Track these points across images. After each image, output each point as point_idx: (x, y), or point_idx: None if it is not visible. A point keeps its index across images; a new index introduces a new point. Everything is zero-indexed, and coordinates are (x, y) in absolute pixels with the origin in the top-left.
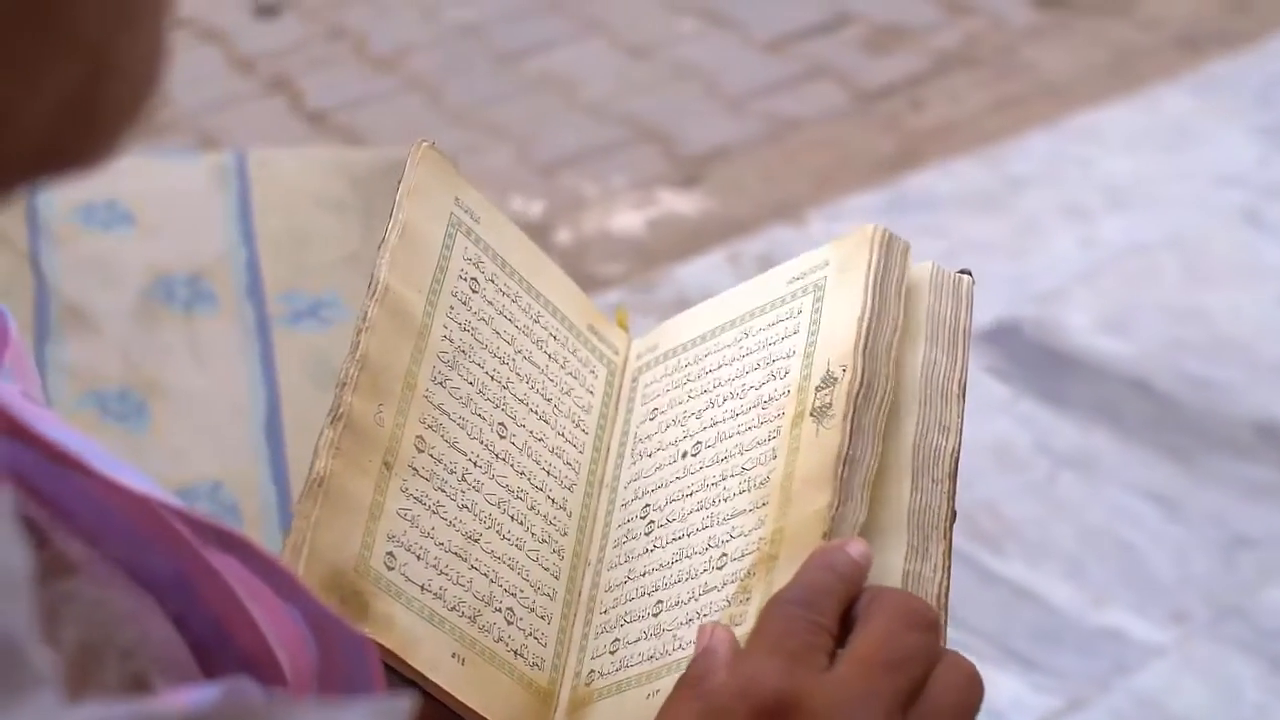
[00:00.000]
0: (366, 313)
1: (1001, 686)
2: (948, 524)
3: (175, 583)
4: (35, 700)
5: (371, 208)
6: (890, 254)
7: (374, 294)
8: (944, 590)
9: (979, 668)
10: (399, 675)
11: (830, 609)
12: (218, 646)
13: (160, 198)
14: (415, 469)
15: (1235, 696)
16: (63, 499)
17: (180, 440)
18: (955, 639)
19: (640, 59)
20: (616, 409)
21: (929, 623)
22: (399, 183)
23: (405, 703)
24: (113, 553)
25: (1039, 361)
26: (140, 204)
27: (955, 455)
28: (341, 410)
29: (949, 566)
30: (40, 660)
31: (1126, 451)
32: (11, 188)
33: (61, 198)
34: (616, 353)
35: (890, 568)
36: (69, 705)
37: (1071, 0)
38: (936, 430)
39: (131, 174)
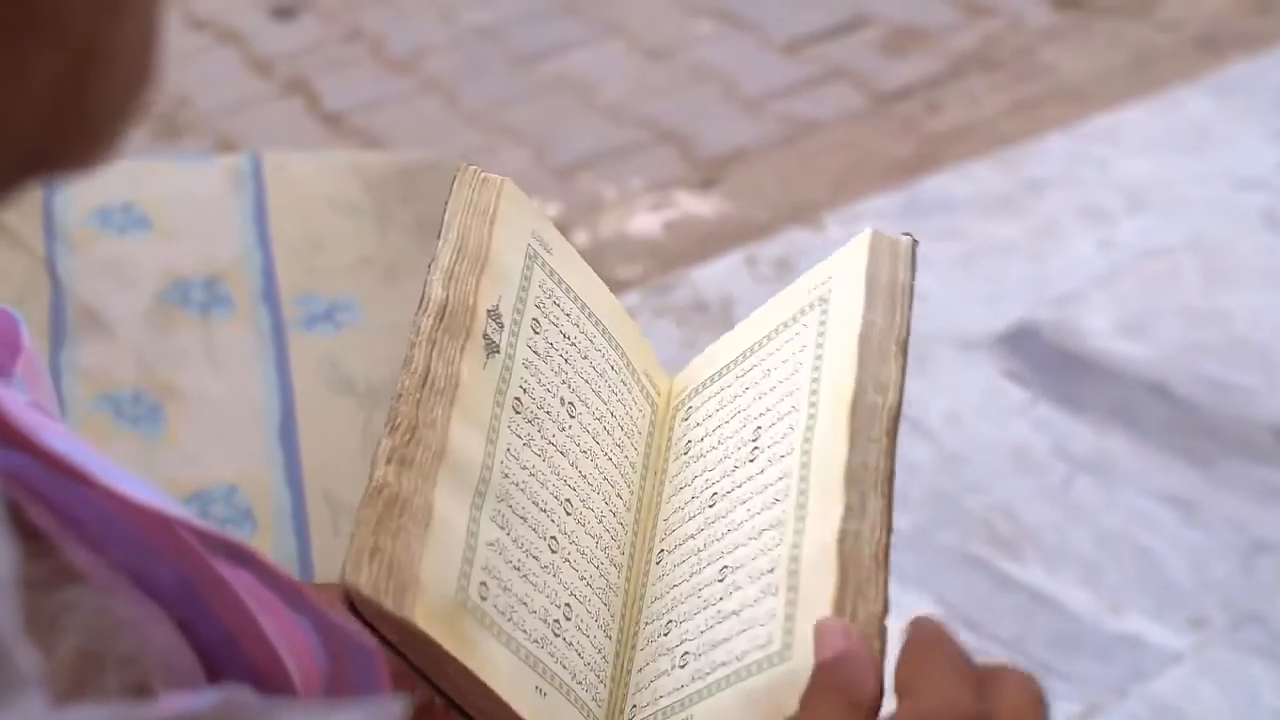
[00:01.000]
0: (420, 326)
1: None
2: (887, 483)
3: (183, 592)
4: (21, 701)
5: (385, 211)
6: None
7: (425, 309)
8: (883, 548)
9: None
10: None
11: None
12: (228, 656)
13: (176, 201)
14: (501, 498)
15: (1253, 703)
16: (71, 508)
17: (195, 444)
18: (974, 645)
19: (657, 61)
20: (660, 457)
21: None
22: (446, 204)
23: (398, 705)
24: (119, 561)
25: (1056, 365)
26: (156, 207)
27: (894, 413)
28: (399, 420)
29: (889, 525)
30: (26, 661)
31: (1144, 456)
32: (8, 188)
33: (78, 201)
34: (658, 402)
35: (827, 530)
36: (57, 708)
37: (1090, 2)
38: (873, 389)
39: (148, 177)
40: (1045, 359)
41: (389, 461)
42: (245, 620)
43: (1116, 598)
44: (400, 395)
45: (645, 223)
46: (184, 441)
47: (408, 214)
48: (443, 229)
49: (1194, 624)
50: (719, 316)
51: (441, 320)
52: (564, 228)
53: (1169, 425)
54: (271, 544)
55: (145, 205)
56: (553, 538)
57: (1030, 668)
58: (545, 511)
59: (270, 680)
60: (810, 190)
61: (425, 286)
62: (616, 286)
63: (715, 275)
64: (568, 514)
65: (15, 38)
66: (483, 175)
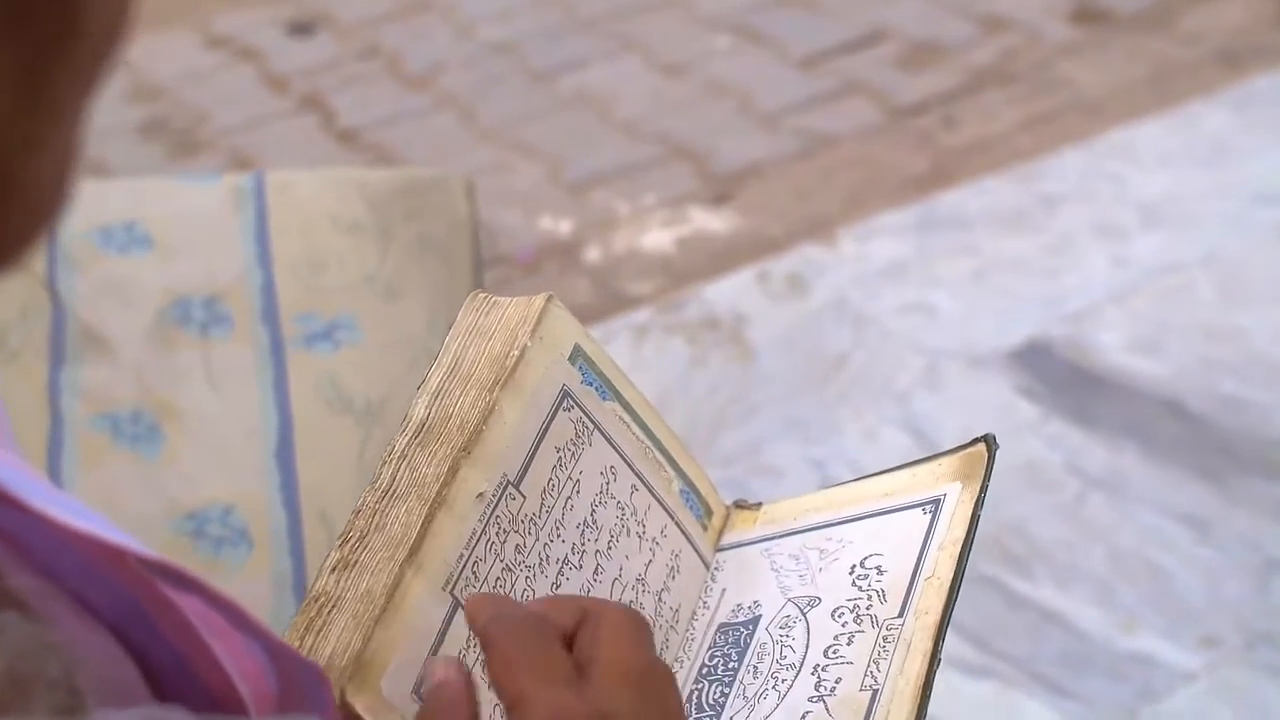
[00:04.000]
0: (394, 446)
1: (1029, 712)
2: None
3: (134, 616)
4: None
5: (387, 229)
6: None
7: (404, 429)
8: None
9: (1006, 693)
10: None
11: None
12: (182, 680)
13: (178, 220)
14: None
15: None
16: (20, 532)
17: (192, 463)
18: (983, 663)
19: (674, 77)
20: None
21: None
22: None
23: None
24: (68, 585)
25: (1070, 381)
26: (158, 226)
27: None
28: (351, 533)
29: None
30: None
31: (1158, 473)
32: None
33: (80, 220)
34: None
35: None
36: None
37: (1110, 16)
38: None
39: (150, 196)
40: (1058, 375)
41: (332, 571)
42: (196, 645)
43: (1129, 616)
44: (358, 510)
45: (658, 239)
46: (181, 461)
47: (409, 232)
48: (439, 353)
49: (1207, 643)
50: (730, 333)
51: (418, 437)
52: (576, 243)
53: (1183, 442)
54: (267, 564)
55: (147, 224)
56: None
57: (1041, 687)
58: None
59: (225, 705)
60: (824, 205)
61: (409, 407)
62: (628, 303)
63: (727, 291)
64: None
65: None
66: (491, 300)
